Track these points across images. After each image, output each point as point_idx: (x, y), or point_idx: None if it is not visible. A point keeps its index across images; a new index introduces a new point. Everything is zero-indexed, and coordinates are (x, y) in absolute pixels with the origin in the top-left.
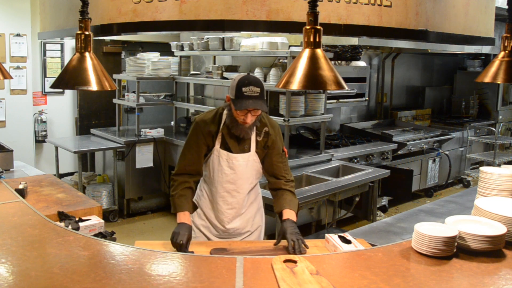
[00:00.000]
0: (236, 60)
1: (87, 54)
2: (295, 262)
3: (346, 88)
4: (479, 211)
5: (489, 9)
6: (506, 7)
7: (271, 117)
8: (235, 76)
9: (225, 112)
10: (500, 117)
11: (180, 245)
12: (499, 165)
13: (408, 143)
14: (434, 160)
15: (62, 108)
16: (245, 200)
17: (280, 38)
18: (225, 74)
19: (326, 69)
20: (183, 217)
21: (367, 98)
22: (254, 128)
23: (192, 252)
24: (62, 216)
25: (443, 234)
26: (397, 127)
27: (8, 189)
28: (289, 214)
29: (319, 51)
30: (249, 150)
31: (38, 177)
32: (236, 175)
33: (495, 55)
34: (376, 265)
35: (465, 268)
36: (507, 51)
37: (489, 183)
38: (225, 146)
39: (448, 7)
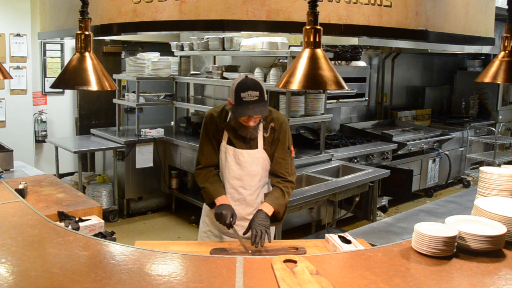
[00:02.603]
0: (236, 60)
1: (87, 54)
2: (295, 262)
3: (346, 88)
4: (479, 211)
5: (489, 9)
6: (506, 7)
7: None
8: (235, 78)
9: (230, 113)
10: (500, 117)
11: (229, 224)
12: (499, 165)
13: (408, 143)
14: (434, 160)
15: (62, 108)
16: (255, 203)
17: (280, 38)
18: (225, 74)
19: (326, 69)
20: (221, 199)
21: (367, 98)
22: (261, 125)
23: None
24: (62, 216)
25: (443, 234)
26: (397, 127)
27: (8, 189)
28: (265, 206)
29: (319, 51)
30: (256, 147)
31: (38, 177)
32: (243, 171)
33: (495, 55)
34: (376, 265)
35: (465, 268)
36: (507, 51)
37: (489, 183)
38: (231, 142)
39: (448, 7)
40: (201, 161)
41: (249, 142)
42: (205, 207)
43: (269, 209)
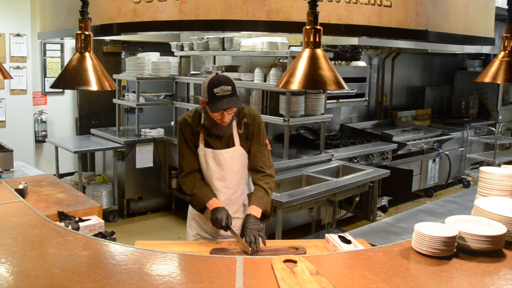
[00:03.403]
0: (236, 60)
1: (87, 54)
2: (295, 262)
3: (346, 88)
4: (479, 211)
5: (489, 9)
6: (506, 7)
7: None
8: (205, 78)
9: (203, 113)
10: (500, 117)
11: (226, 227)
12: (499, 165)
13: (408, 143)
14: (434, 160)
15: (62, 108)
16: (239, 201)
17: (280, 38)
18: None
19: (326, 69)
20: (213, 203)
21: (367, 98)
22: (234, 122)
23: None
24: (62, 216)
25: (443, 234)
26: (397, 127)
27: (8, 189)
28: (253, 209)
29: (319, 51)
30: (233, 145)
31: (38, 177)
32: (224, 171)
33: (495, 55)
34: (376, 265)
35: (465, 268)
36: (507, 51)
37: (489, 183)
38: (208, 144)
39: (448, 7)
40: (184, 168)
41: (225, 141)
42: (190, 211)
43: (257, 211)
